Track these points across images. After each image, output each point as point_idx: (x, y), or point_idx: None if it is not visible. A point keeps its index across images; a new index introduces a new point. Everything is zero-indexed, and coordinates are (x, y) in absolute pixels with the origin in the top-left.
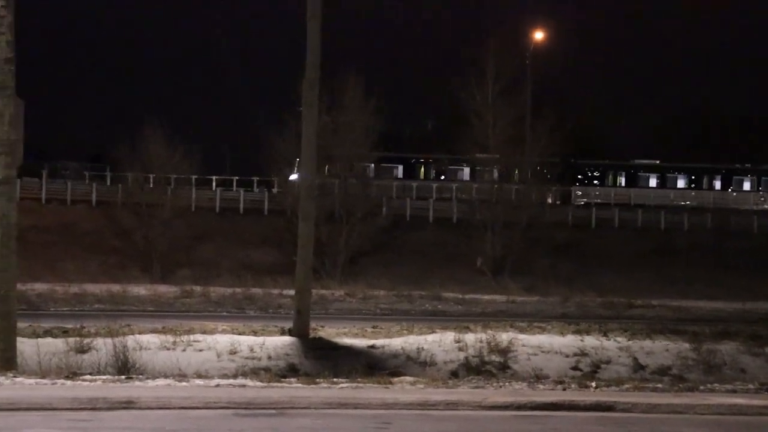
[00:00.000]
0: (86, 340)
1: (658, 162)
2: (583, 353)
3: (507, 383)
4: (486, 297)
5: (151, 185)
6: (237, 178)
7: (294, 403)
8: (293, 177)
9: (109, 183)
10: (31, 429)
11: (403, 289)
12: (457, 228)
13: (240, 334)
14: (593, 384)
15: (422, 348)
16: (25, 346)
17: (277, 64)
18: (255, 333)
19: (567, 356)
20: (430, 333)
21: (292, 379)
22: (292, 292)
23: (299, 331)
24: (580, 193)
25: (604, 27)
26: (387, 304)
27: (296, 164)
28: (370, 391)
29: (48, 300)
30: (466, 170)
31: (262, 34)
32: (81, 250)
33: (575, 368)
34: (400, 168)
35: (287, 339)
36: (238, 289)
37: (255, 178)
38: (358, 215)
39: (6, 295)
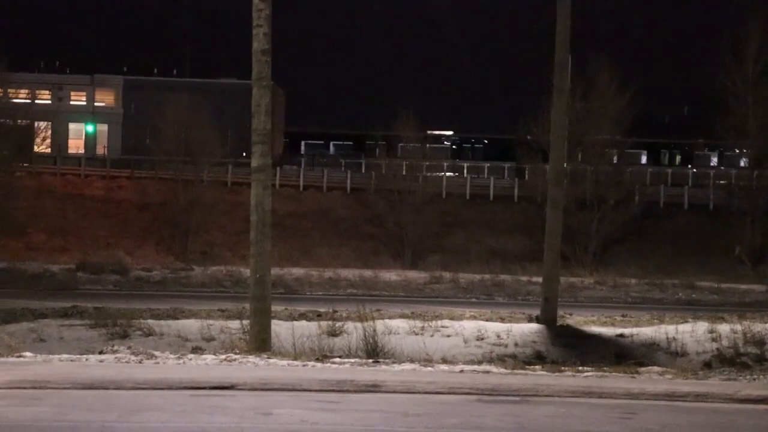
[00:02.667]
0: (338, 324)
1: None
2: None
3: (762, 376)
4: (743, 286)
5: (404, 172)
6: (488, 164)
7: (537, 391)
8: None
9: (363, 170)
10: (281, 408)
11: (655, 278)
12: (713, 215)
13: (487, 320)
14: None
15: (673, 338)
16: (281, 328)
17: (530, 48)
18: (502, 320)
19: None
20: (681, 322)
21: (536, 367)
22: (540, 279)
23: (546, 319)
24: None
25: None
26: (638, 292)
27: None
28: (615, 381)
29: (304, 284)
30: (716, 156)
31: (513, 17)
32: (335, 235)
33: None
34: (645, 154)
35: (534, 326)
36: (486, 276)
37: (506, 165)
38: (610, 202)
39: (261, 279)
